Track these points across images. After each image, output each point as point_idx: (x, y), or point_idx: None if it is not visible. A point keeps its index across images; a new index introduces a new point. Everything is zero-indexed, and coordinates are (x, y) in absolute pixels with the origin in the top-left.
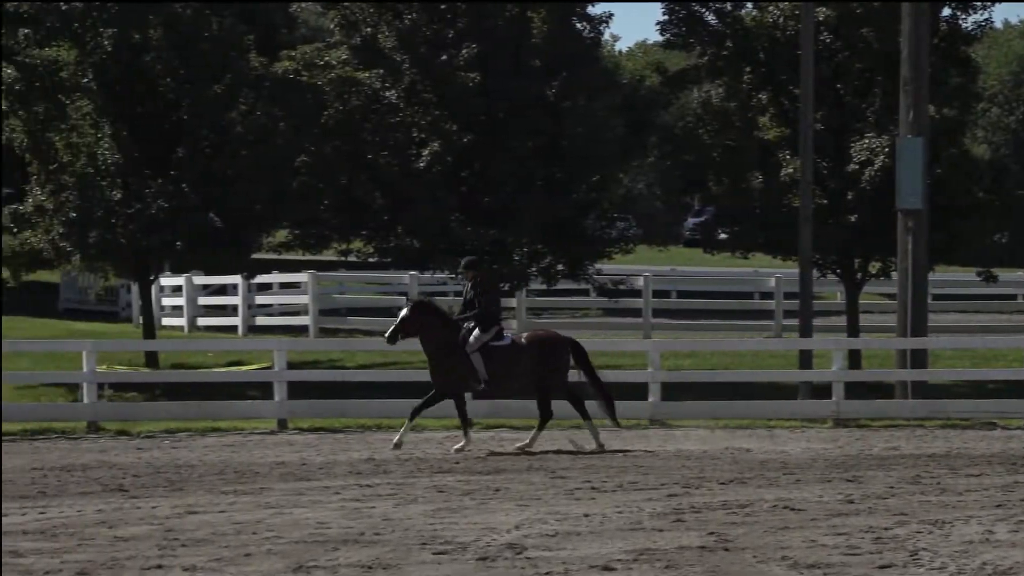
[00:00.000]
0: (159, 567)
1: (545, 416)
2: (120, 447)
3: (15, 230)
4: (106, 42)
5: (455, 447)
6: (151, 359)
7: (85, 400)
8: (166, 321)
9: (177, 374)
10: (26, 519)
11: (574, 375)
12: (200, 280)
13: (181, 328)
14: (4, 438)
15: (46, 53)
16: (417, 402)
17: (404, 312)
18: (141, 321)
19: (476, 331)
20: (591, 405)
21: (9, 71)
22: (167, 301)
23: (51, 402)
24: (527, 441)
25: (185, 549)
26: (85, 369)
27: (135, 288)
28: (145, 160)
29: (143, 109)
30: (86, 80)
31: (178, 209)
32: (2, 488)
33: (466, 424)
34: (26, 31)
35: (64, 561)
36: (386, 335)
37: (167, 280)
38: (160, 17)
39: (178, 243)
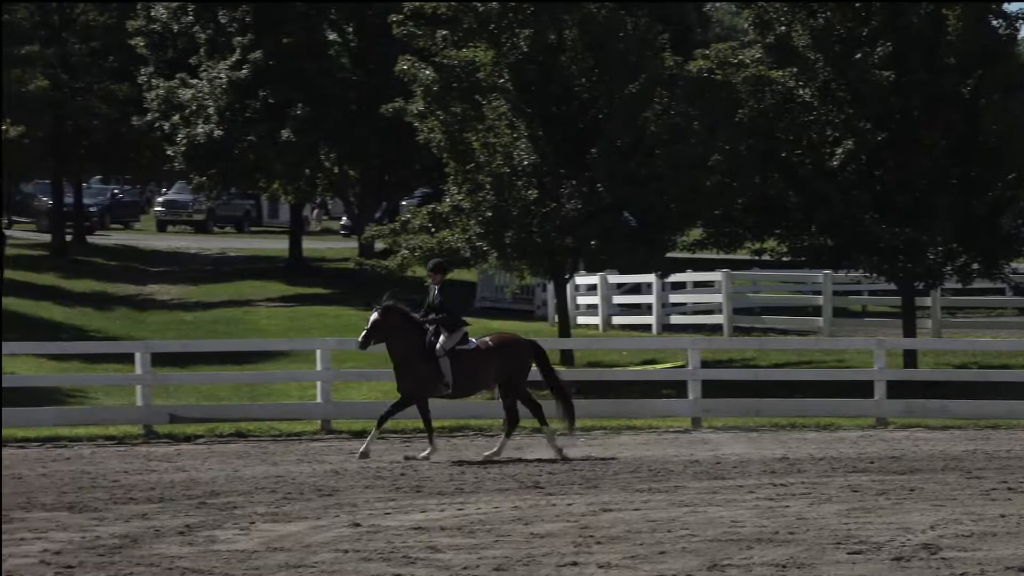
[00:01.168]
0: (574, 564)
1: (513, 422)
2: (536, 444)
3: (432, 229)
4: (522, 43)
5: (421, 454)
6: (566, 357)
7: None
8: (581, 319)
9: (592, 372)
10: (444, 515)
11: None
12: (615, 279)
13: (596, 326)
14: (423, 434)
15: (463, 54)
16: (384, 409)
17: (374, 316)
18: (556, 319)
19: (443, 335)
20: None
21: (427, 72)
22: (582, 300)
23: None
24: (495, 449)
25: (600, 546)
26: None
27: (550, 287)
28: (560, 160)
29: (558, 109)
30: (502, 81)
31: (593, 208)
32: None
33: (430, 430)
34: (444, 32)
35: (481, 557)
36: (359, 340)
37: (582, 279)
38: (575, 17)
39: (592, 242)
